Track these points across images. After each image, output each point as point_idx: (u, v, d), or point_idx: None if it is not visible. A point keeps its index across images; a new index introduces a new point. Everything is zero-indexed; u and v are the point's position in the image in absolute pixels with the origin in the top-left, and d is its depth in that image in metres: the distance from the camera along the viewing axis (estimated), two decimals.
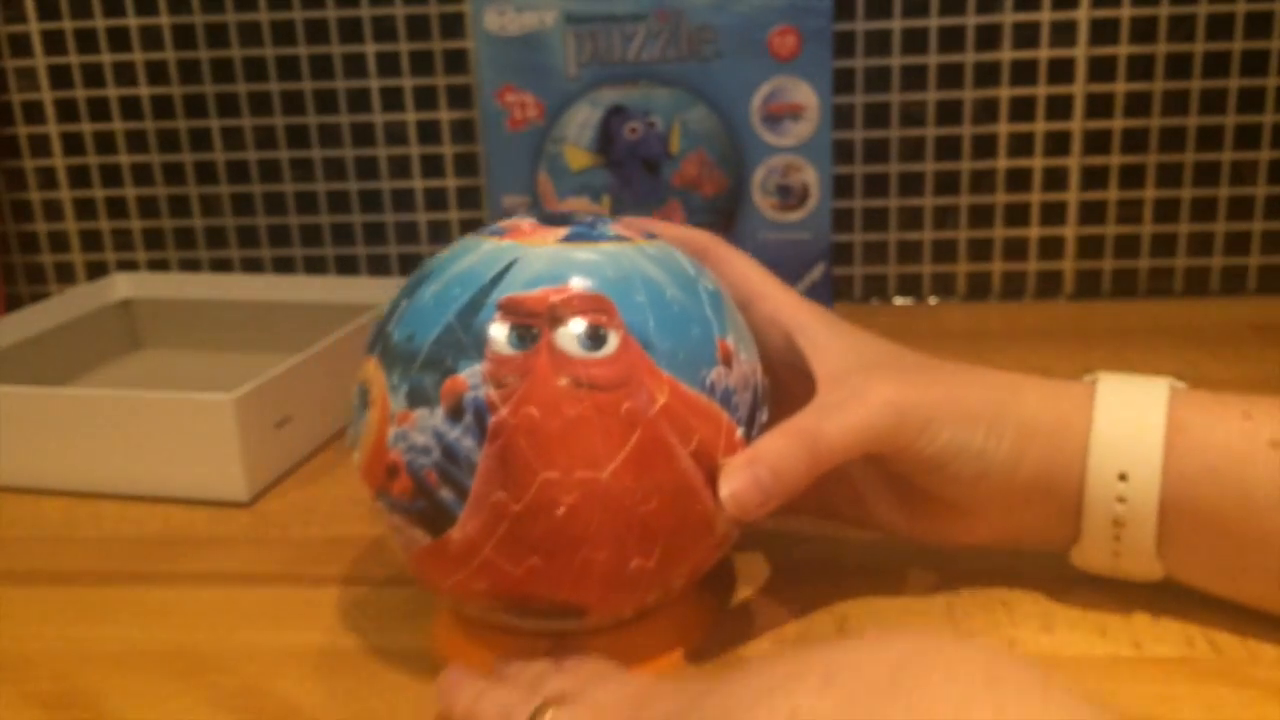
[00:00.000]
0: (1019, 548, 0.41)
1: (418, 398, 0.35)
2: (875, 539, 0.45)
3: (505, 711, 0.31)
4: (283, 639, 0.41)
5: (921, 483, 0.39)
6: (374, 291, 0.71)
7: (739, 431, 0.36)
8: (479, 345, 0.34)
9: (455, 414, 0.34)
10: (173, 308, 0.75)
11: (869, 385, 0.38)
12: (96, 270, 0.86)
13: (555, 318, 0.34)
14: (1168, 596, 0.41)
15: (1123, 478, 0.37)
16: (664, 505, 0.35)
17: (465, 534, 0.34)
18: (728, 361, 0.36)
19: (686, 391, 0.35)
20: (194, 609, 0.44)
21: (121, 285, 0.76)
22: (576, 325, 0.34)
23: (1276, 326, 0.71)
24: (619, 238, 0.38)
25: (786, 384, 0.41)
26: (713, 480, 0.36)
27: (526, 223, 0.39)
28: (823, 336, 0.40)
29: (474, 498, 0.34)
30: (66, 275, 0.86)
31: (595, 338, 0.34)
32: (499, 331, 0.34)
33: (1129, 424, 0.37)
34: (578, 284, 0.35)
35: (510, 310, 0.34)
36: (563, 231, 0.37)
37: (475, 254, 0.37)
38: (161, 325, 0.76)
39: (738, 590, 0.44)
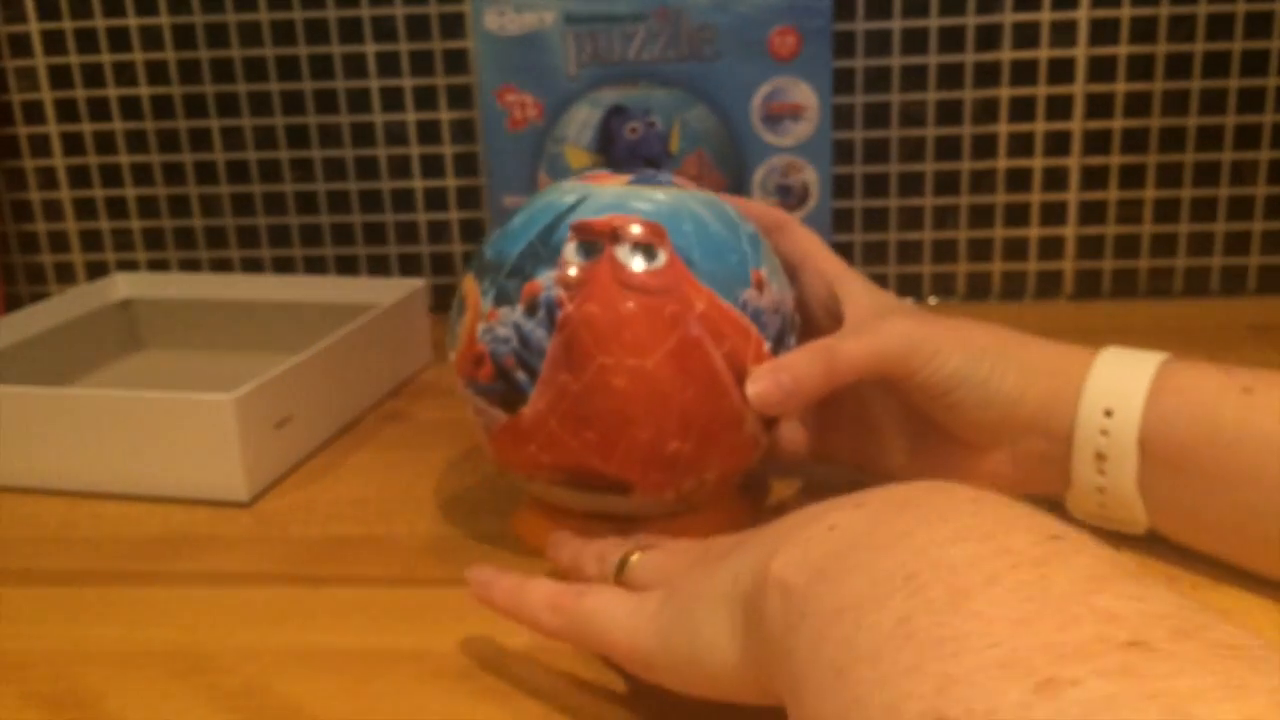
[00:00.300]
0: (1017, 492, 0.43)
1: (503, 299, 0.42)
2: None
3: (601, 556, 0.39)
4: (282, 639, 0.41)
5: (929, 409, 0.44)
6: (374, 291, 0.71)
7: (766, 346, 0.43)
8: (553, 256, 0.42)
9: (531, 310, 0.41)
10: (173, 308, 0.75)
11: (888, 320, 0.44)
12: (96, 270, 0.86)
13: (616, 237, 0.41)
14: None
15: (1108, 413, 0.41)
16: (698, 396, 0.41)
17: (535, 410, 0.42)
18: (760, 287, 0.43)
19: (722, 304, 0.42)
20: (194, 609, 0.44)
21: (121, 285, 0.76)
22: (633, 243, 0.42)
23: (1276, 327, 0.71)
24: (676, 185, 0.45)
25: (828, 330, 0.46)
26: (742, 381, 0.42)
27: (602, 172, 0.46)
28: (857, 288, 0.47)
29: (543, 379, 0.41)
30: (66, 275, 0.86)
31: (648, 254, 0.41)
32: (570, 246, 0.42)
33: (1121, 370, 0.42)
34: (637, 213, 0.42)
35: (580, 230, 0.42)
36: (629, 177, 0.45)
37: (556, 191, 0.44)
38: (161, 325, 0.76)
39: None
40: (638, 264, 0.41)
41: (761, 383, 0.42)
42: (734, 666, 0.29)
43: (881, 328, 0.44)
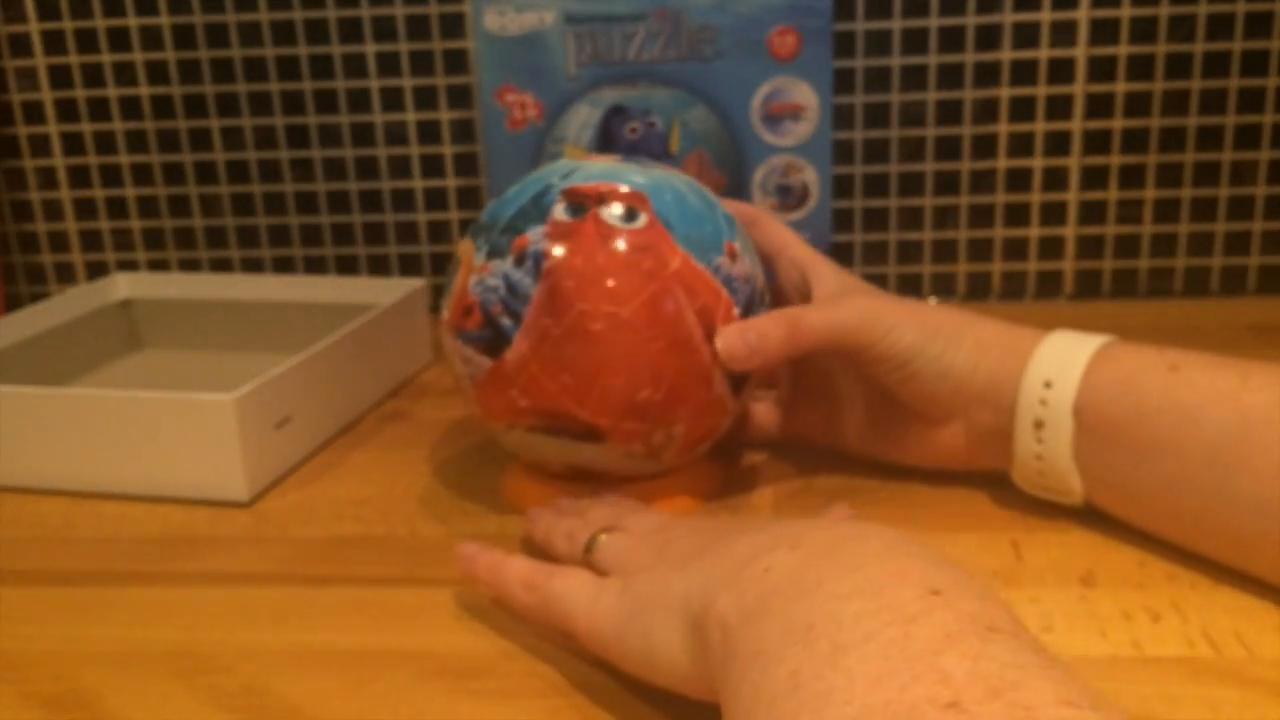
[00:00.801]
0: (970, 467, 0.48)
1: (495, 253, 0.46)
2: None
3: (570, 535, 0.42)
4: (282, 639, 0.41)
5: (887, 382, 0.47)
6: (374, 291, 0.71)
7: (736, 310, 0.46)
8: (543, 215, 0.46)
9: (520, 261, 0.45)
10: (173, 308, 0.75)
11: (850, 296, 0.48)
12: (96, 270, 0.86)
13: (602, 200, 0.46)
14: (1167, 597, 0.41)
15: (1048, 385, 0.44)
16: (669, 348, 0.44)
17: (518, 353, 0.45)
18: (733, 257, 0.47)
19: (696, 265, 0.45)
20: (194, 609, 0.44)
21: (122, 285, 0.76)
22: (617, 206, 0.46)
23: (1276, 327, 0.71)
24: (660, 168, 0.49)
25: None
26: (711, 339, 0.45)
27: (594, 153, 0.50)
28: (827, 272, 0.50)
29: (526, 323, 0.45)
30: (67, 275, 0.86)
31: (630, 215, 0.45)
32: (560, 207, 0.46)
33: (1065, 347, 0.44)
34: (622, 183, 0.46)
35: (570, 195, 0.46)
36: (618, 156, 0.49)
37: (551, 166, 0.49)
38: (162, 325, 0.76)
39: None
40: (620, 223, 0.45)
41: (729, 338, 0.45)
42: (683, 671, 0.32)
43: (843, 302, 0.47)
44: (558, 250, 0.45)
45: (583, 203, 0.45)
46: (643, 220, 0.45)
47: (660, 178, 0.47)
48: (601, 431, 0.45)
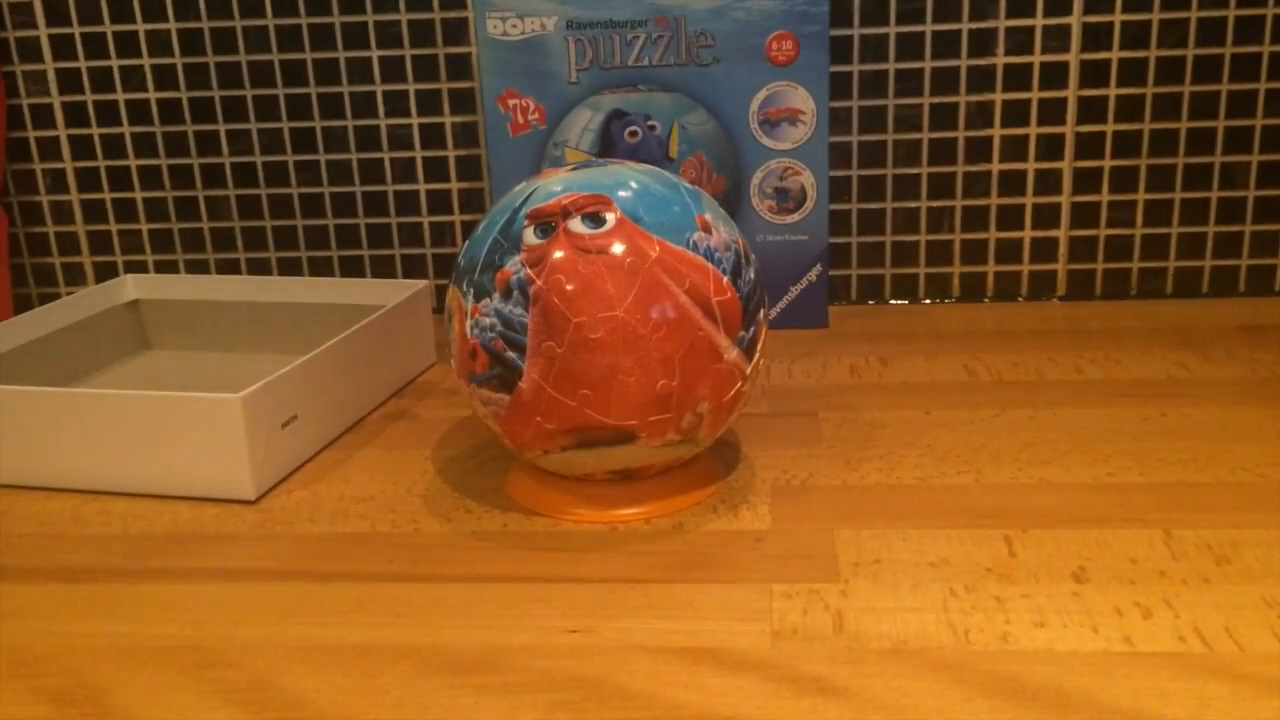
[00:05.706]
0: None
1: (481, 292, 0.47)
2: (871, 534, 0.47)
3: None
4: (288, 634, 0.42)
5: None
6: (378, 293, 0.71)
7: (725, 279, 0.47)
8: (516, 244, 0.47)
9: (507, 294, 0.46)
10: (180, 309, 0.76)
11: None
12: (105, 272, 0.87)
13: (566, 213, 0.46)
14: (1158, 593, 0.41)
15: None
16: (672, 333, 0.46)
17: (531, 382, 0.46)
18: (706, 229, 0.48)
19: (674, 248, 0.46)
20: (201, 605, 0.44)
21: (130, 286, 0.76)
22: (582, 214, 0.46)
23: (1266, 328, 0.71)
24: (615, 164, 0.50)
25: None
26: (710, 314, 0.46)
27: (547, 168, 0.52)
28: None
29: (530, 351, 0.46)
30: (76, 277, 0.87)
31: (597, 220, 0.46)
32: (529, 231, 0.47)
33: None
34: (581, 190, 0.47)
35: (535, 217, 0.47)
36: (572, 166, 0.50)
37: (509, 196, 0.49)
38: (169, 326, 0.76)
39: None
40: (590, 229, 0.46)
41: None
42: None
43: None
44: (539, 273, 0.45)
45: (549, 221, 0.46)
46: (611, 220, 0.46)
47: (616, 174, 0.48)
48: (632, 431, 0.47)
